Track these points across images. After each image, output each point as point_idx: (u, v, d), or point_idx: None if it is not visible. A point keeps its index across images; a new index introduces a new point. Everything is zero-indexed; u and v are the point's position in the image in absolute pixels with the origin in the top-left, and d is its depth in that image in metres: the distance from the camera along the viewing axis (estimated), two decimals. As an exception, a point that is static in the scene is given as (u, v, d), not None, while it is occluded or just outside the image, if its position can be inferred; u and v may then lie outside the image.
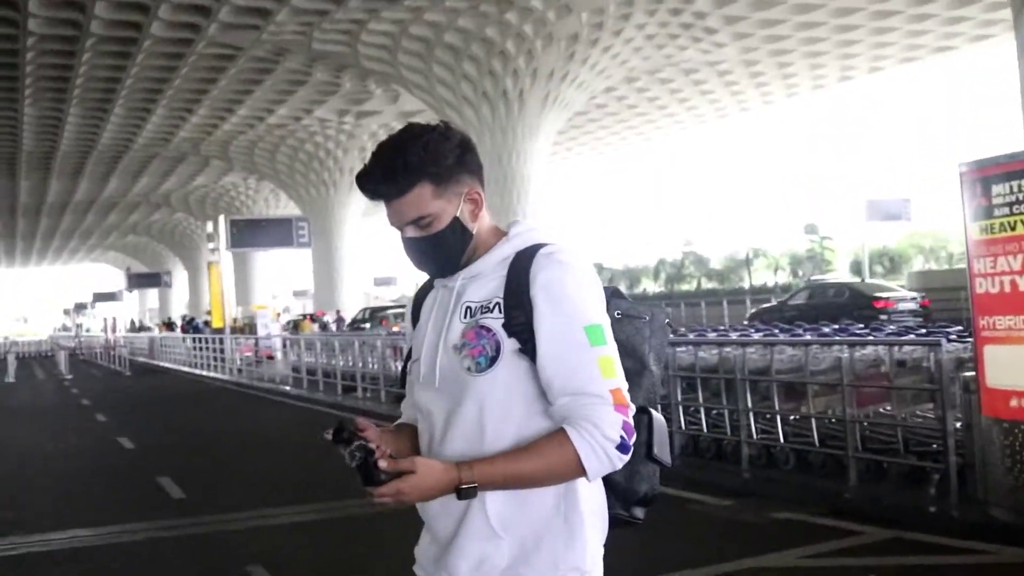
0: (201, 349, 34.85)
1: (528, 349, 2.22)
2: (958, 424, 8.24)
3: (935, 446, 8.94)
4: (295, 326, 33.84)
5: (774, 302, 37.02)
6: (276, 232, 34.60)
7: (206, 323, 48.79)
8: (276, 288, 73.50)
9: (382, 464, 2.07)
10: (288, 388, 23.22)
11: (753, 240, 79.24)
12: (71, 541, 9.17)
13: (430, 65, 38.08)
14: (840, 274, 60.98)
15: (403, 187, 2.28)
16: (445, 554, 2.27)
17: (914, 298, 29.39)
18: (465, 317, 2.30)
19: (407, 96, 42.82)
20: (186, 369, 35.90)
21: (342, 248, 51.53)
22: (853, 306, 28.14)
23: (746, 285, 68.05)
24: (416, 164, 2.26)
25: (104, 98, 41.31)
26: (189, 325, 49.34)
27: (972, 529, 7.32)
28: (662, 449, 2.32)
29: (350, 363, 20.44)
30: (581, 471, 2.14)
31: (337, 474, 11.97)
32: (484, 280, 2.34)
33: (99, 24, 32.69)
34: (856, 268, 54.32)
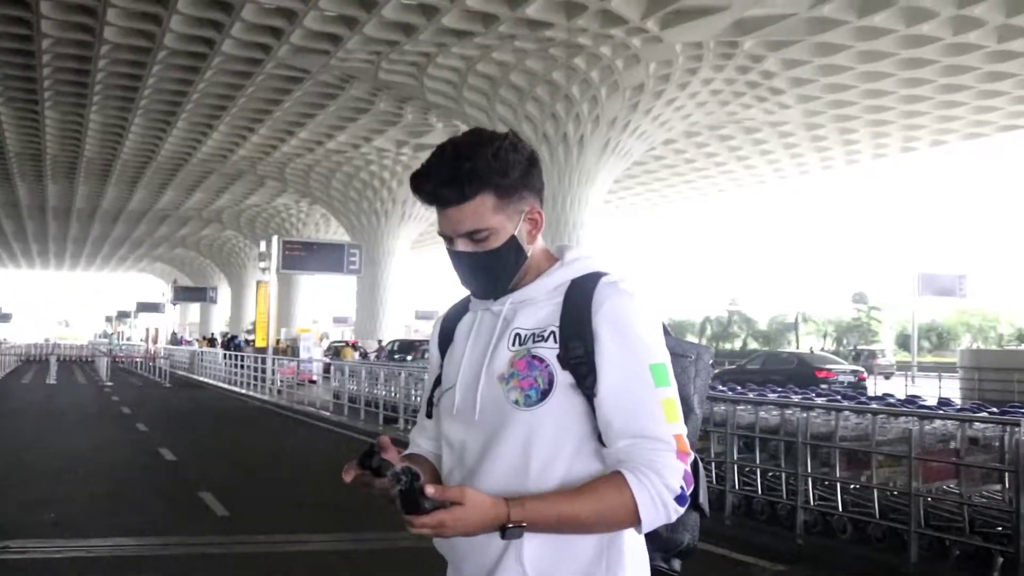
0: (241, 367, 34.88)
1: (584, 385, 2.04)
2: (1025, 508, 8.04)
3: (1000, 528, 8.76)
4: (336, 352, 33.81)
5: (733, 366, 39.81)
6: (327, 257, 34.69)
7: (247, 341, 48.99)
8: (317, 312, 73.71)
9: (429, 491, 1.87)
10: (328, 414, 23.08)
11: (800, 304, 78.92)
12: (113, 549, 9.09)
13: (493, 104, 38.28)
14: (885, 345, 60.40)
15: (465, 194, 2.10)
16: None
17: (853, 371, 33.37)
18: (514, 345, 2.12)
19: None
20: (225, 386, 35.87)
21: (387, 278, 51.59)
22: (799, 374, 30.22)
23: (792, 349, 67.69)
24: (483, 171, 2.09)
25: (169, 110, 41.81)
26: (231, 342, 49.51)
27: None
28: (704, 497, 2.17)
29: (392, 393, 20.33)
30: (635, 520, 1.95)
31: (381, 504, 12.03)
32: (536, 306, 2.16)
33: (172, 38, 33.14)
34: (903, 341, 53.85)
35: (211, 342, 58.75)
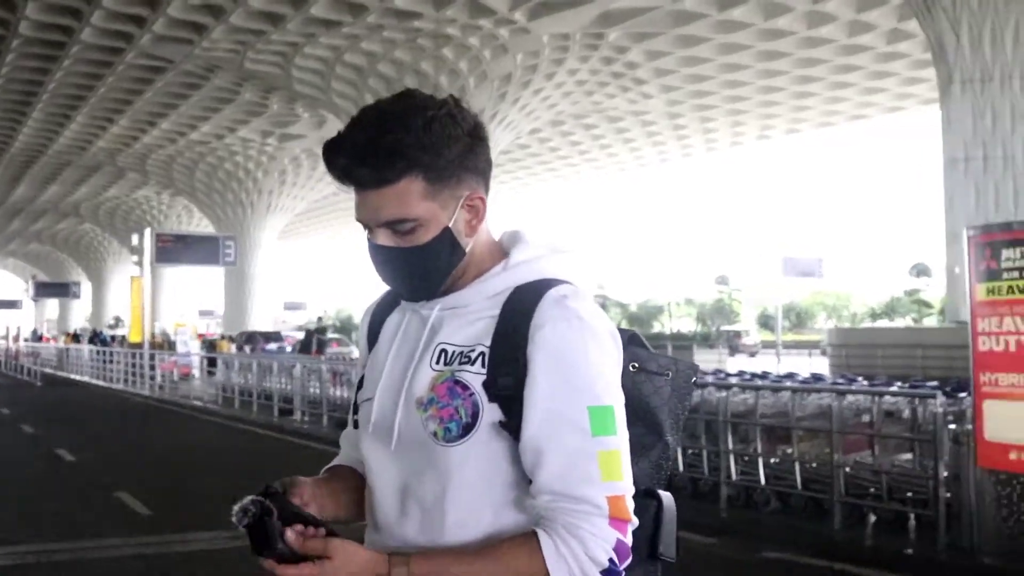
0: (114, 363, 33.72)
1: (511, 424, 1.65)
2: (944, 474, 8.22)
3: (910, 494, 8.99)
4: (211, 346, 33.00)
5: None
6: (202, 250, 33.80)
7: (112, 337, 47.41)
8: (182, 306, 72.04)
9: (289, 536, 1.56)
10: (218, 407, 22.43)
11: (668, 288, 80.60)
12: (42, 556, 8.47)
13: (362, 93, 37.82)
14: (746, 325, 62.20)
15: (387, 176, 1.66)
16: None
17: None
18: (438, 363, 1.72)
19: (334, 121, 42.47)
20: (99, 382, 34.48)
21: (255, 270, 50.62)
22: None
23: (666, 331, 68.94)
24: (410, 148, 1.65)
25: (23, 100, 40.17)
26: (95, 338, 47.88)
27: (965, 574, 7.30)
28: (668, 545, 1.76)
29: (284, 385, 19.89)
30: None
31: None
32: (469, 316, 1.74)
33: (27, 25, 31.82)
34: (764, 321, 55.19)
35: (75, 338, 56.72)
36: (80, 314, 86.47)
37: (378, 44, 34.76)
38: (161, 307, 62.04)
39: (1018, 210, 21.72)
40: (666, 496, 1.80)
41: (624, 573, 1.63)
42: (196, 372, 30.71)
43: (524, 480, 1.66)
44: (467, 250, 1.75)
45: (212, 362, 31.06)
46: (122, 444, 17.49)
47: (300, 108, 42.16)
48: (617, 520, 1.60)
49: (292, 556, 1.56)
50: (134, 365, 30.63)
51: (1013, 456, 7.26)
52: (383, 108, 1.69)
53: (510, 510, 1.68)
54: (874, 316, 70.74)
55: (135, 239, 32.46)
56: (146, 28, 32.51)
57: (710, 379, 11.56)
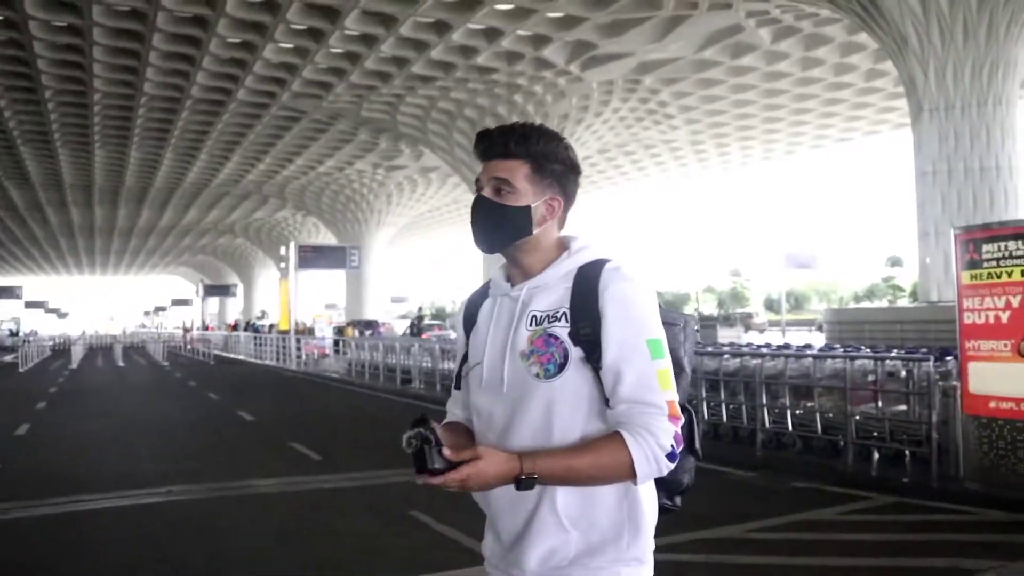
0: (266, 345, 34.19)
1: (592, 358, 1.83)
2: (935, 420, 8.23)
3: (905, 436, 8.99)
4: (340, 331, 33.41)
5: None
6: (334, 257, 34.24)
7: (261, 326, 48.21)
8: (310, 301, 72.81)
9: (446, 452, 1.70)
10: (351, 378, 22.59)
11: (694, 278, 79.95)
12: (254, 488, 8.62)
13: (451, 133, 38.08)
14: (755, 307, 61.29)
15: (511, 151, 1.89)
16: (514, 549, 1.88)
17: None
18: (532, 325, 1.88)
19: (429, 155, 42.79)
20: (256, 360, 34.94)
21: (369, 271, 51.10)
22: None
23: (694, 313, 68.19)
24: (533, 144, 1.89)
25: (193, 145, 40.94)
26: (250, 326, 48.67)
27: (953, 496, 7.35)
28: (698, 444, 2.00)
29: (404, 361, 20.02)
30: (632, 475, 1.77)
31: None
32: (549, 291, 1.91)
33: (197, 88, 32.48)
34: (769, 304, 54.67)
35: (234, 327, 57.61)
36: (234, 309, 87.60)
37: (464, 93, 34.94)
38: (296, 302, 62.88)
39: (976, 212, 21.34)
40: (692, 410, 1.98)
41: (678, 455, 1.80)
42: (329, 352, 31.08)
43: (602, 398, 1.83)
44: (533, 232, 1.92)
45: (338, 344, 31.54)
46: (287, 407, 17.52)
47: (403, 145, 42.49)
48: (673, 417, 1.79)
49: (448, 469, 1.69)
50: (284, 347, 30.97)
51: (992, 405, 7.29)
52: (526, 123, 1.97)
53: (595, 419, 1.83)
54: (858, 299, 69.69)
55: (283, 250, 32.97)
56: (286, 87, 33.08)
57: (745, 349, 11.56)
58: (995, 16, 20.75)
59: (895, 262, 58.31)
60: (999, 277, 7.28)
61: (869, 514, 7.10)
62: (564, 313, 1.86)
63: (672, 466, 1.79)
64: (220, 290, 79.03)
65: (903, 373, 9.39)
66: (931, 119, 21.60)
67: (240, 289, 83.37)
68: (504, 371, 1.88)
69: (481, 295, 2.07)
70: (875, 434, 9.39)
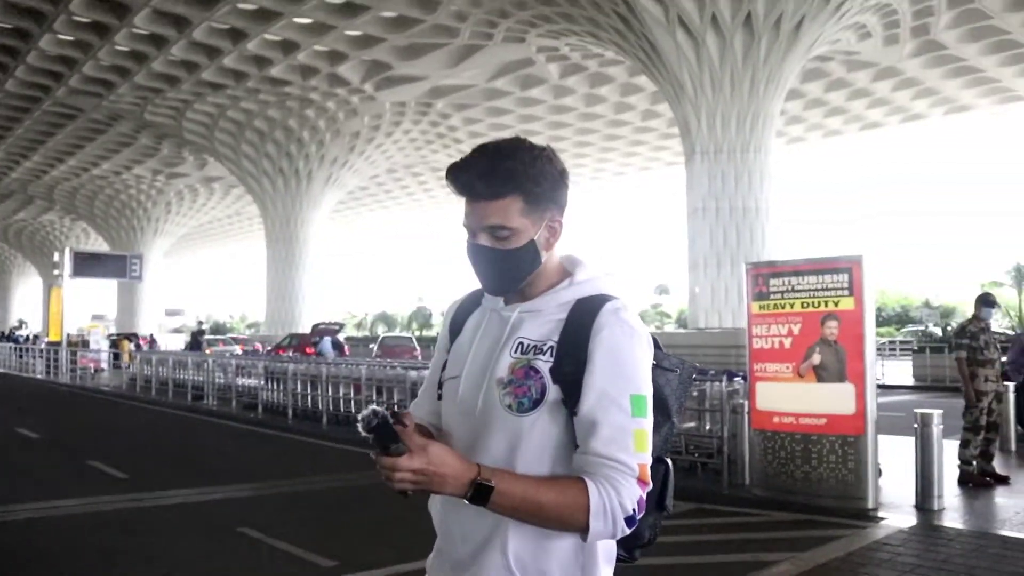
0: (34, 357, 31.36)
1: (569, 401, 1.67)
2: (726, 435, 8.95)
3: (696, 450, 9.70)
4: (114, 344, 31.30)
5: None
6: (113, 265, 32.01)
7: (24, 337, 44.46)
8: (77, 310, 67.61)
9: (407, 421, 1.56)
10: (136, 393, 20.89)
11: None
12: (57, 509, 7.83)
13: (239, 143, 36.95)
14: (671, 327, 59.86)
15: (497, 191, 1.69)
16: None
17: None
18: (516, 352, 1.73)
19: (214, 164, 41.25)
20: (21, 373, 31.70)
21: (143, 282, 48.45)
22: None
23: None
24: (519, 174, 1.68)
25: (-52, 138, 37.30)
26: (9, 337, 44.48)
27: (743, 502, 7.95)
28: (670, 499, 1.84)
29: (195, 376, 18.95)
30: (583, 526, 1.61)
31: (266, 458, 10.70)
32: (542, 319, 1.75)
33: (-42, 76, 29.69)
34: (682, 321, 54.75)
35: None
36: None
37: (254, 104, 34.07)
38: (64, 312, 58.30)
39: (739, 248, 23.25)
40: (670, 463, 1.82)
41: (639, 521, 1.66)
42: (105, 366, 29.10)
43: (571, 444, 1.67)
44: (543, 261, 1.77)
45: (117, 356, 29.57)
46: (74, 423, 16.07)
47: (187, 152, 40.73)
48: (641, 482, 1.64)
49: (406, 452, 1.56)
50: (55, 360, 28.53)
51: (776, 420, 8.03)
52: (500, 145, 1.73)
53: (560, 466, 1.68)
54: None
55: (56, 256, 30.47)
56: (63, 82, 30.89)
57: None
58: (756, 72, 22.83)
59: (663, 290, 62.29)
60: (783, 308, 8.12)
61: (674, 519, 7.64)
62: (551, 347, 1.71)
63: (628, 532, 1.65)
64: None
65: (695, 393, 10.13)
66: (702, 160, 23.37)
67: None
68: (481, 395, 1.73)
69: (472, 302, 1.93)
70: (676, 447, 10.03)
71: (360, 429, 1.52)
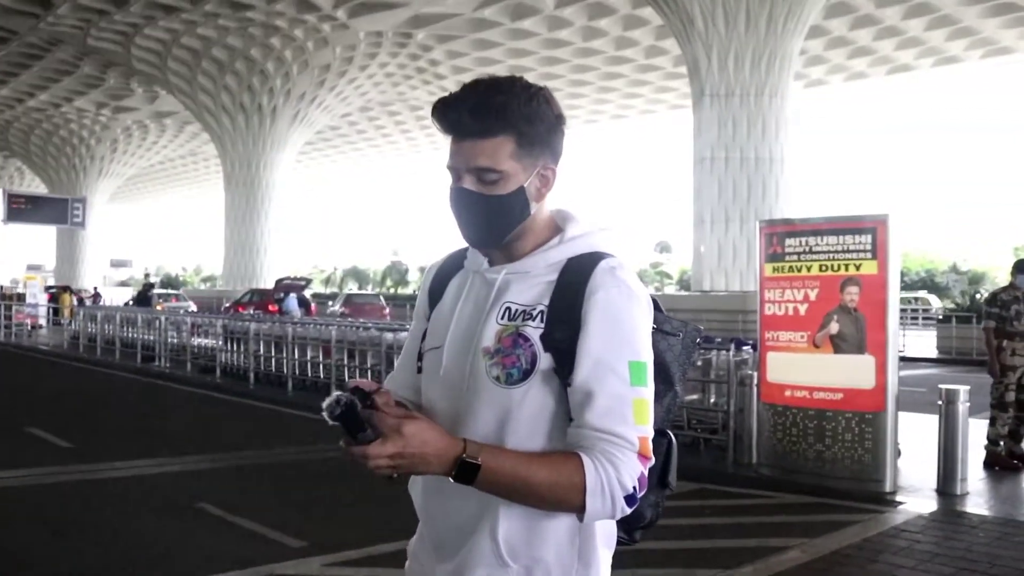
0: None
1: (562, 371, 1.65)
2: (732, 408, 9.06)
3: (698, 424, 9.82)
4: (55, 297, 31.09)
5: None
6: (51, 210, 31.73)
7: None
8: (13, 260, 67.39)
9: (379, 401, 1.54)
10: (79, 353, 20.85)
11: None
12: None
13: (195, 74, 36.59)
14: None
15: (489, 128, 1.66)
16: (443, 565, 1.75)
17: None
18: (503, 318, 1.70)
19: (166, 98, 40.86)
20: None
21: (86, 229, 48.14)
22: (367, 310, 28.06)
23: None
24: (513, 112, 1.66)
25: None
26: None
27: (749, 482, 8.08)
28: (673, 476, 1.84)
29: (146, 335, 18.90)
30: (579, 506, 1.60)
31: (226, 427, 10.67)
32: (531, 281, 1.73)
33: None
34: (685, 282, 54.10)
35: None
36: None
37: (213, 30, 33.71)
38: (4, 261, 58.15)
39: (750, 201, 23.32)
40: (673, 438, 1.81)
41: (639, 500, 1.65)
42: (43, 322, 28.96)
43: (566, 416, 1.65)
44: (532, 212, 1.74)
45: (56, 312, 29.46)
46: (9, 386, 15.81)
47: (135, 84, 40.29)
48: (642, 456, 1.62)
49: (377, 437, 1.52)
50: (-19, 316, 28.34)
51: (788, 393, 8.12)
52: (495, 80, 1.70)
53: (554, 441, 1.66)
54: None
55: (-16, 198, 30.25)
56: (-6, 2, 30.44)
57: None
58: (775, 8, 22.75)
59: (664, 248, 62.31)
60: (799, 271, 8.17)
61: (674, 500, 7.73)
62: (541, 312, 1.69)
63: (628, 511, 1.63)
64: None
65: (699, 363, 10.22)
66: (712, 104, 23.33)
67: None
68: (466, 366, 1.71)
69: (454, 264, 1.91)
70: (678, 422, 10.12)
71: (326, 418, 1.49)
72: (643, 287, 1.73)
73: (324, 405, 1.48)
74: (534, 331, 1.67)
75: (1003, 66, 37.83)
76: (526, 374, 1.66)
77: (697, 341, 1.92)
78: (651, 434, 1.65)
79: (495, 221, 1.73)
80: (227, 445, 9.91)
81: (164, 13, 31.87)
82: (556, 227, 1.80)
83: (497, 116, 1.66)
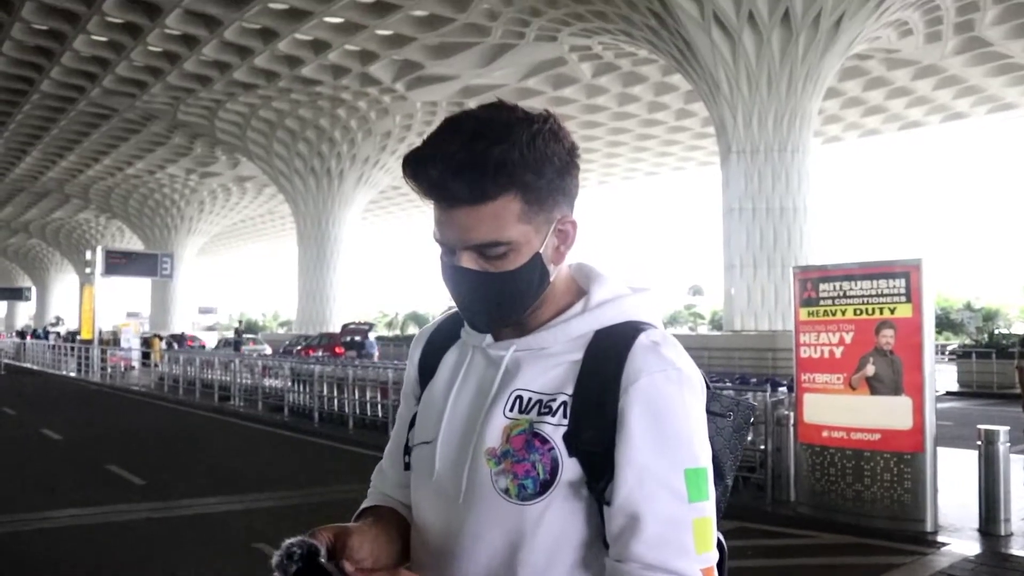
0: (65, 355, 31.34)
1: (595, 484, 1.15)
2: (770, 448, 8.45)
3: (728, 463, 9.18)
4: (146, 343, 31.21)
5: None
6: (144, 264, 32.00)
7: (57, 334, 44.72)
8: (111, 309, 68.24)
9: (348, 569, 1.09)
10: (164, 393, 20.72)
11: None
12: (71, 519, 7.44)
13: (271, 142, 36.84)
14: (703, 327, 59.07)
15: (486, 192, 1.12)
16: None
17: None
18: (512, 411, 1.19)
19: (246, 164, 41.22)
20: (54, 371, 31.63)
21: (177, 280, 48.49)
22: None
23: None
24: (515, 164, 1.12)
25: (-14, 138, 37.55)
26: (34, 334, 44.76)
27: (788, 520, 7.48)
28: None
29: (222, 376, 18.64)
30: None
31: (289, 464, 10.36)
32: (548, 361, 1.21)
33: (-5, 76, 29.81)
34: (717, 322, 53.28)
35: (21, 335, 52.90)
36: (25, 314, 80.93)
37: (286, 103, 33.92)
38: (97, 310, 58.82)
39: (776, 249, 22.65)
40: (724, 543, 1.26)
41: None
42: (136, 364, 29.02)
43: (597, 540, 1.17)
44: (552, 279, 1.23)
45: (147, 355, 29.48)
46: (98, 424, 15.55)
47: (219, 152, 40.73)
48: None
49: None
50: (87, 358, 28.42)
51: (824, 434, 7.52)
52: (481, 117, 1.15)
53: (581, 572, 1.18)
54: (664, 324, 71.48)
55: (88, 254, 30.51)
56: (97, 83, 30.89)
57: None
58: (794, 71, 22.21)
59: (696, 291, 61.53)
60: (834, 315, 7.59)
61: (715, 540, 7.15)
62: (564, 403, 1.17)
63: None
64: (10, 293, 72.49)
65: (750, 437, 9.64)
66: (738, 160, 22.79)
67: (33, 292, 77.11)
68: (464, 472, 1.20)
69: (448, 332, 1.37)
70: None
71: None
72: (693, 364, 1.20)
73: (272, 561, 1.05)
74: (554, 429, 1.16)
75: (1007, 121, 36.84)
76: (544, 486, 1.15)
77: (750, 420, 1.38)
78: (715, 560, 1.14)
79: (507, 302, 1.20)
80: (289, 483, 9.46)
81: (243, 90, 32.15)
82: (578, 289, 1.28)
83: (495, 175, 1.11)
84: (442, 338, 1.36)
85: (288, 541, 1.06)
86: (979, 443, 6.80)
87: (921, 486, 6.80)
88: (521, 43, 27.54)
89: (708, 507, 1.14)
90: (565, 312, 1.24)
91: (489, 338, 1.27)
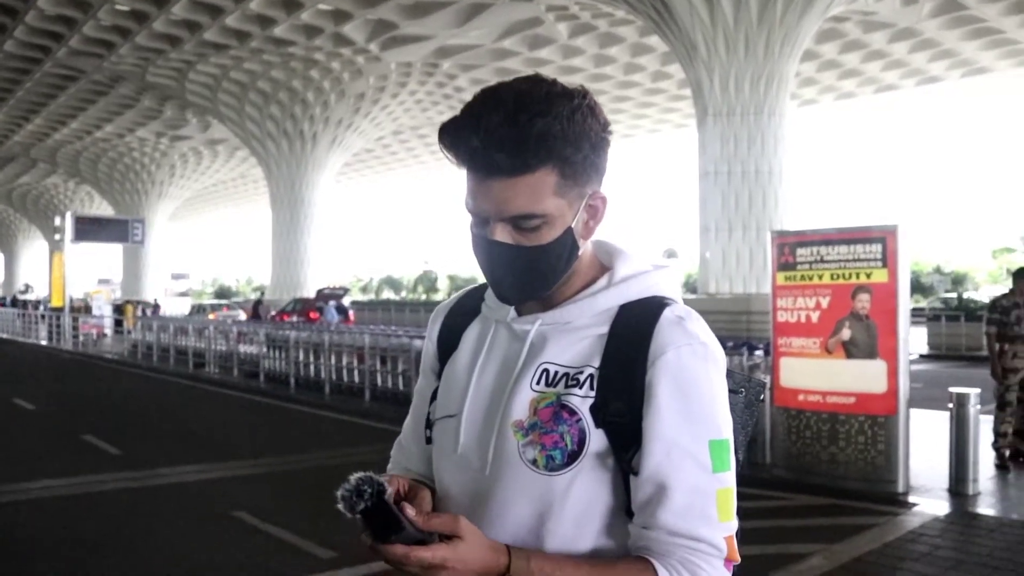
0: (36, 323, 30.95)
1: (622, 454, 1.18)
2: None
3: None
4: (119, 309, 30.83)
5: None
6: (115, 230, 31.55)
7: (24, 302, 44.19)
8: (81, 275, 67.50)
9: (410, 513, 1.08)
10: (137, 360, 20.58)
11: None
12: (48, 490, 7.38)
13: (243, 104, 36.34)
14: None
15: (527, 163, 1.13)
16: None
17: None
18: (540, 383, 1.22)
19: (217, 127, 40.70)
20: (25, 340, 31.27)
21: (149, 246, 47.95)
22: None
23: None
24: (556, 138, 1.13)
25: (-52, 100, 36.76)
26: (16, 301, 44.20)
27: (764, 483, 7.58)
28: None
29: (196, 343, 18.49)
30: None
31: (266, 432, 10.34)
32: (574, 335, 1.24)
33: (-44, 36, 29.10)
34: (691, 285, 53.54)
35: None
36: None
37: (258, 65, 33.43)
38: (67, 277, 58.15)
39: (751, 212, 22.75)
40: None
41: None
42: (108, 332, 28.73)
43: (622, 508, 1.20)
44: (580, 254, 1.24)
45: (119, 323, 29.24)
46: (72, 393, 15.34)
47: (190, 114, 40.14)
48: (730, 562, 1.19)
49: (417, 538, 1.08)
50: (58, 326, 28.09)
51: (800, 398, 7.61)
52: (522, 89, 1.16)
53: (607, 539, 1.21)
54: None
55: (56, 220, 30.08)
56: (63, 43, 30.26)
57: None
58: (772, 33, 22.17)
59: (671, 254, 61.66)
60: (810, 279, 7.65)
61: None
62: (591, 376, 1.19)
63: None
64: (-29, 260, 71.57)
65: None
66: (715, 123, 22.77)
67: (1, 260, 76.10)
68: (491, 445, 1.22)
69: (469, 307, 1.37)
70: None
71: (342, 510, 1.03)
72: (716, 340, 1.23)
73: (340, 495, 1.02)
74: (581, 401, 1.19)
75: (981, 84, 37.04)
76: (572, 457, 1.18)
77: (761, 397, 1.43)
78: (735, 528, 1.19)
79: (538, 275, 1.22)
80: (266, 449, 9.47)
81: (214, 50, 31.64)
82: (600, 265, 1.30)
83: (536, 147, 1.13)
84: (462, 313, 1.38)
85: (356, 476, 1.03)
86: (951, 406, 6.93)
87: (893, 448, 6.93)
88: (496, 3, 27.26)
89: (730, 477, 1.19)
90: (590, 287, 1.27)
91: (513, 312, 1.29)
